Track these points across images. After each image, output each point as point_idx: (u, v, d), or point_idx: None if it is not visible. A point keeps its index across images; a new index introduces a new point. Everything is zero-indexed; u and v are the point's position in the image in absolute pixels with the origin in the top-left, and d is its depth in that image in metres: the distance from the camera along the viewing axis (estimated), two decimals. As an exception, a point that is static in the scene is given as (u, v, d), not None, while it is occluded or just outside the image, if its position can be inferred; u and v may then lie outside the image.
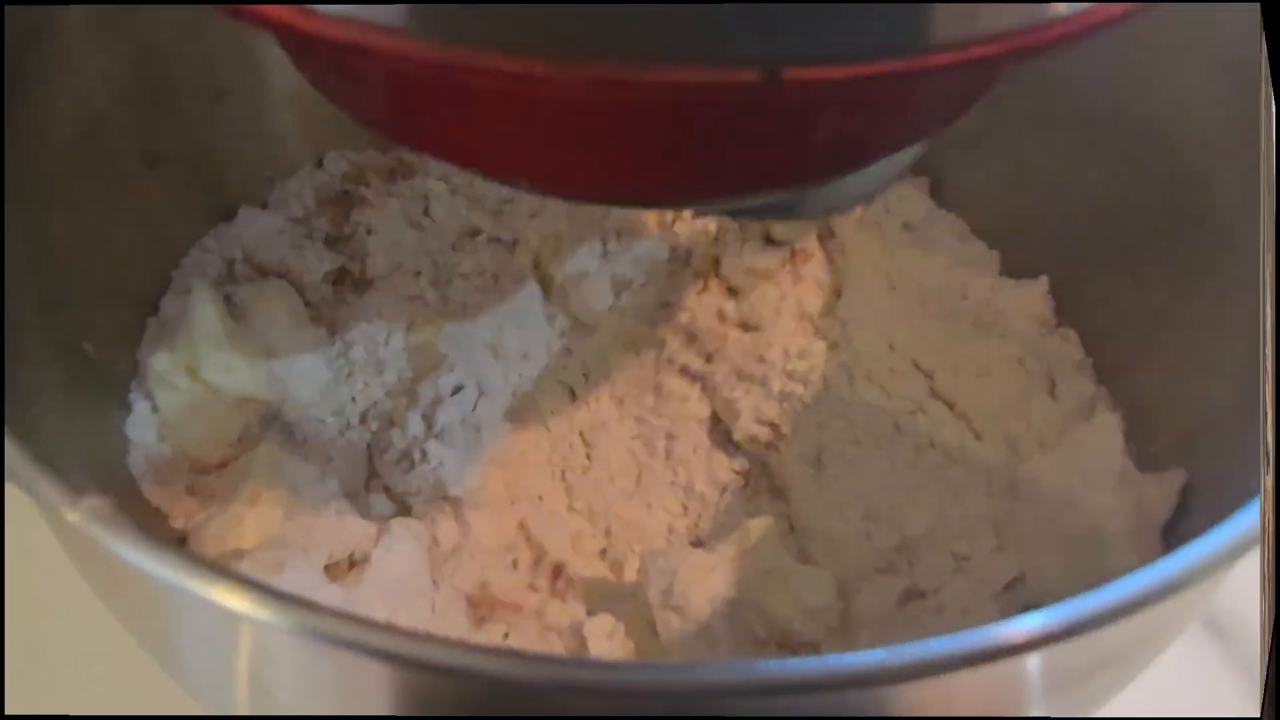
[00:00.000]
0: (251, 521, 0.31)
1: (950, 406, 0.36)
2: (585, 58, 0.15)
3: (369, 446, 0.35)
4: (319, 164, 0.43)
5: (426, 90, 0.18)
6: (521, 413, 0.37)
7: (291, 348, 0.35)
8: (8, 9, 0.29)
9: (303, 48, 0.19)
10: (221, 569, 0.16)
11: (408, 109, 0.19)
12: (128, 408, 0.35)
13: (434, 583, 0.32)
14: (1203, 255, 0.33)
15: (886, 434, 0.35)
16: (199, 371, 0.35)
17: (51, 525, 0.23)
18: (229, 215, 0.41)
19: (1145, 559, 0.29)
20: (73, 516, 0.17)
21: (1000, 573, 0.31)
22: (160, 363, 0.35)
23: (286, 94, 0.42)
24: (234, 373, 0.34)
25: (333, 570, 0.32)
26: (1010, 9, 0.15)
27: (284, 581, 0.29)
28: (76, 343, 0.34)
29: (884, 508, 0.33)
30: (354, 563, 0.32)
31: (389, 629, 0.16)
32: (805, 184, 0.21)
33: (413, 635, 0.15)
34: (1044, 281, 0.38)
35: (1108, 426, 0.33)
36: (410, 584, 0.31)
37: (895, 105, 0.18)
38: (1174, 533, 0.30)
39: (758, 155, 0.18)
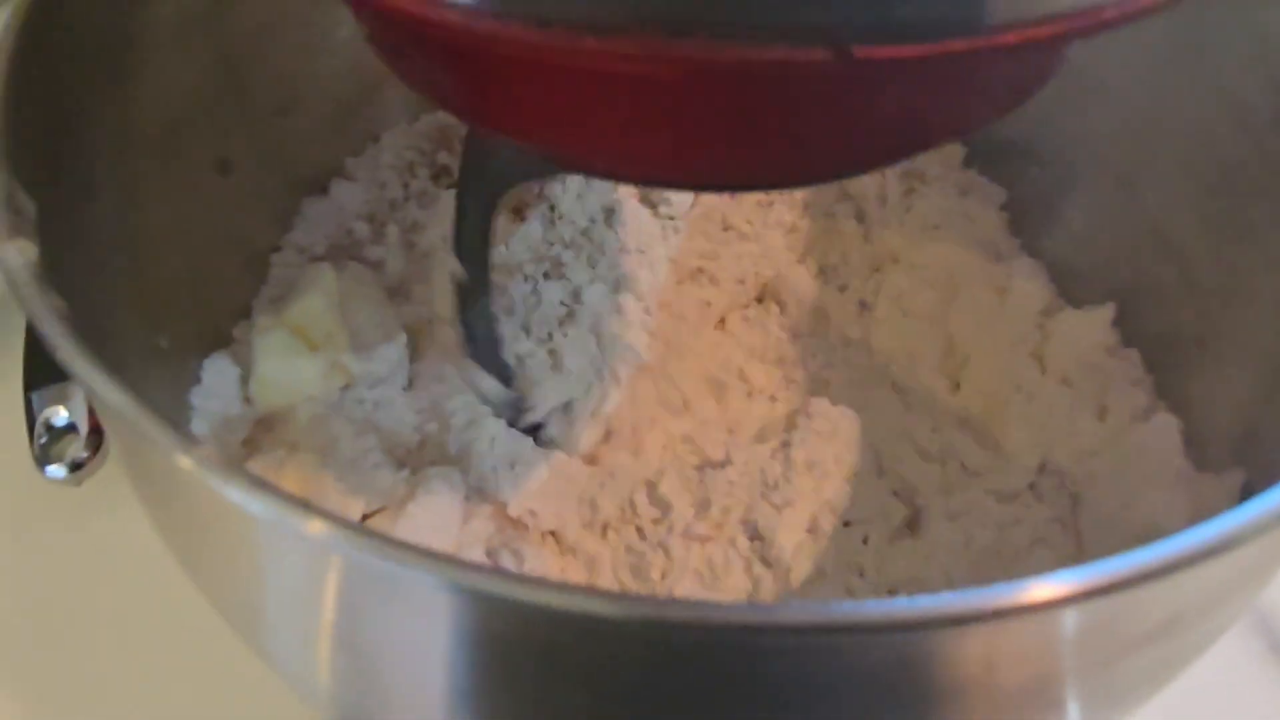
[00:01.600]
0: (292, 468, 0.32)
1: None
2: (651, 35, 0.16)
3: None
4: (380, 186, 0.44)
5: (502, 70, 0.19)
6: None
7: (373, 333, 0.37)
8: (109, 11, 0.30)
9: (384, 28, 0.20)
10: (325, 512, 0.17)
11: (485, 89, 0.20)
12: (196, 380, 0.37)
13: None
14: (1258, 258, 0.34)
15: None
16: (306, 331, 0.37)
17: (144, 484, 0.25)
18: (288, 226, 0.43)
19: None
20: (185, 462, 0.18)
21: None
22: (266, 320, 0.37)
23: (352, 104, 0.43)
24: (332, 340, 0.36)
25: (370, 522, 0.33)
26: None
27: None
28: (151, 335, 0.35)
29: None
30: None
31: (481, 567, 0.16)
32: (861, 170, 0.22)
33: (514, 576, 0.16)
34: (1110, 309, 0.38)
35: (1166, 428, 0.33)
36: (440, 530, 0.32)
37: (961, 86, 0.19)
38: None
39: (821, 138, 0.19)
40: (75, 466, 0.37)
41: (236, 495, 0.17)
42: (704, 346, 0.40)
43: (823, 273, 0.42)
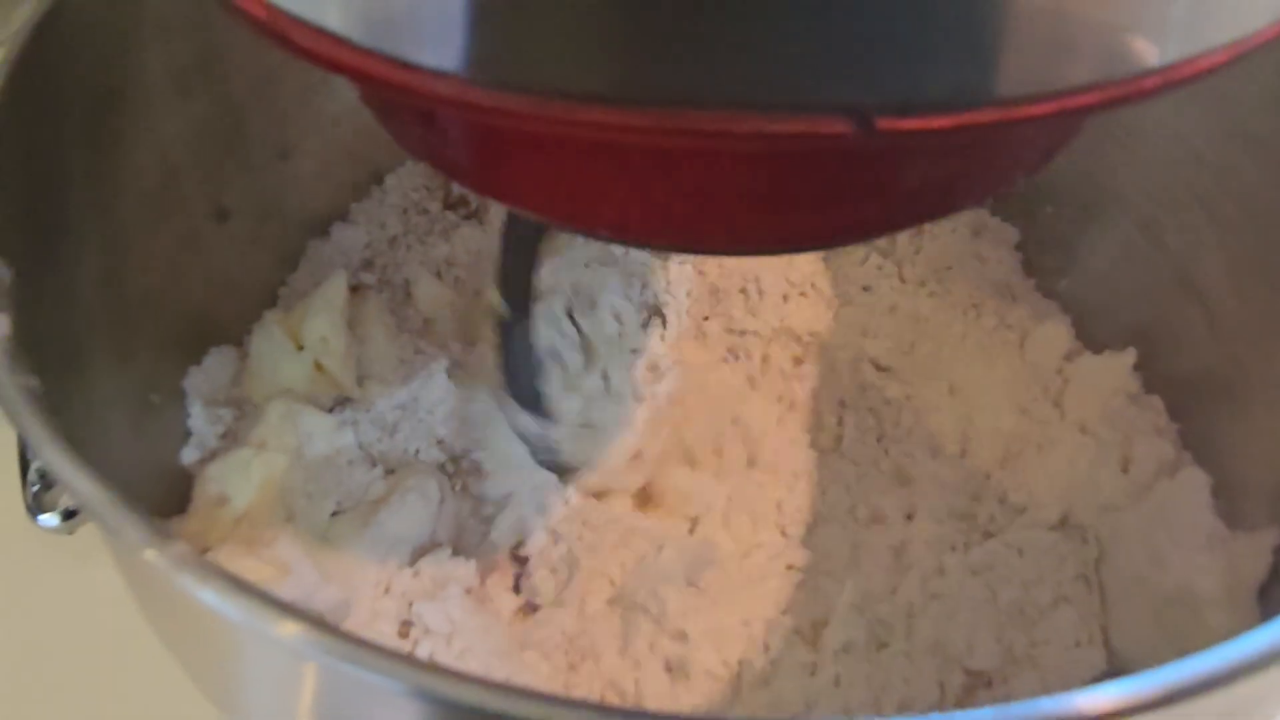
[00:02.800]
0: (258, 466, 0.33)
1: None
2: (666, 106, 0.15)
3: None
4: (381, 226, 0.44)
5: (511, 140, 0.18)
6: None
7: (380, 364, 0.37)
8: (93, 67, 0.30)
9: (378, 98, 0.20)
10: (298, 611, 0.16)
11: (486, 160, 0.19)
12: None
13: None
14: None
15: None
16: (300, 331, 0.37)
17: (122, 566, 0.24)
18: (293, 267, 0.42)
19: (1242, 622, 0.28)
20: (151, 555, 0.17)
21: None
22: (273, 314, 0.38)
23: (355, 145, 0.42)
24: (326, 345, 0.37)
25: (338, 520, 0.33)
26: (1103, 59, 0.15)
27: (286, 590, 0.29)
28: (143, 392, 0.34)
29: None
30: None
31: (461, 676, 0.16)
32: (887, 233, 0.21)
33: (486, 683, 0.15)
34: (1131, 354, 0.37)
35: (1194, 483, 0.32)
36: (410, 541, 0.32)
37: (987, 153, 0.18)
38: (1270, 595, 0.29)
39: (843, 205, 0.18)
40: (68, 515, 0.36)
41: (209, 597, 0.16)
42: (718, 388, 0.39)
43: (835, 316, 0.41)
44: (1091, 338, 0.39)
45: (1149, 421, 0.36)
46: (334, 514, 0.34)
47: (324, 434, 0.35)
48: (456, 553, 0.34)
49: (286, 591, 0.30)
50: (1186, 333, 0.37)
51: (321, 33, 0.15)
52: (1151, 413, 0.36)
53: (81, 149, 0.31)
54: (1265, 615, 0.28)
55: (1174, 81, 0.15)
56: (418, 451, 0.36)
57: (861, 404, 0.39)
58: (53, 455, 0.19)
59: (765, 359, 0.40)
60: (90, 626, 0.36)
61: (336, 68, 0.15)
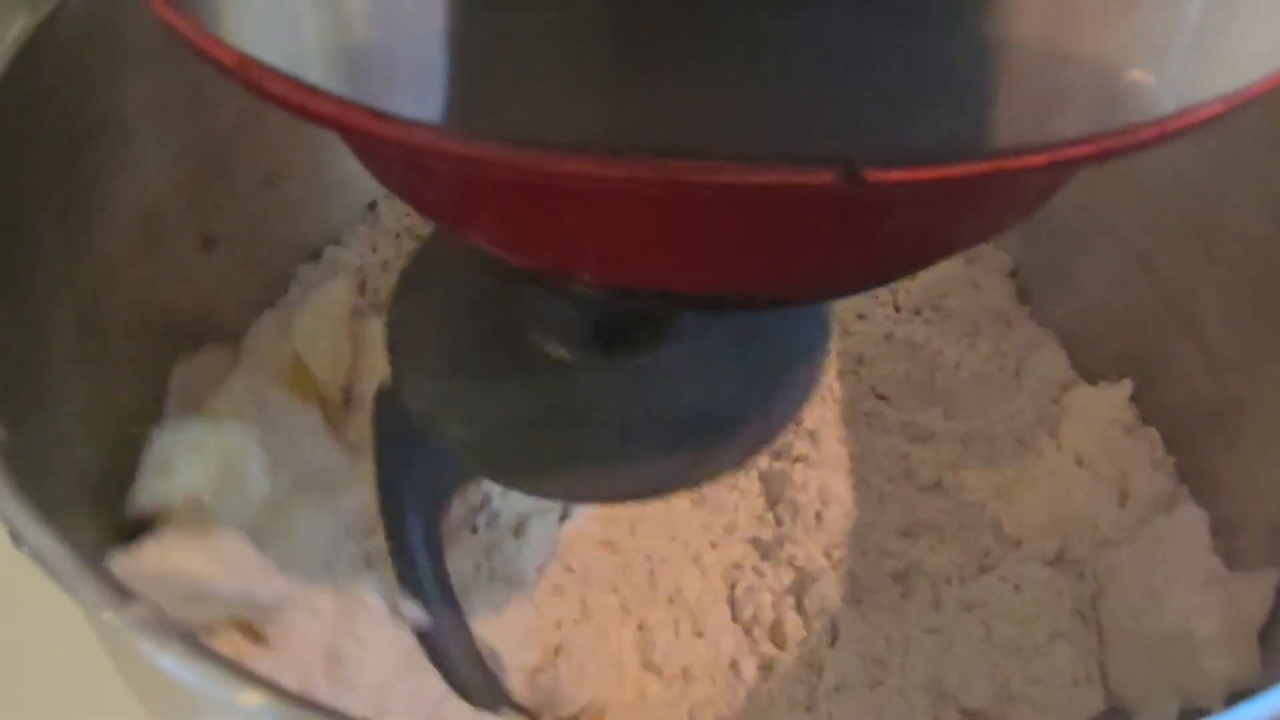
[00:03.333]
0: (211, 442, 0.31)
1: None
2: (644, 155, 0.15)
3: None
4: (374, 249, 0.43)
5: (494, 187, 0.18)
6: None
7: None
8: (74, 96, 0.29)
9: (360, 145, 0.19)
10: (260, 680, 0.16)
11: (463, 204, 0.19)
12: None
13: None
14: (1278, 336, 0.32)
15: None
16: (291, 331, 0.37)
17: (92, 622, 0.23)
18: (283, 292, 0.41)
19: (1242, 664, 0.28)
20: (109, 617, 0.16)
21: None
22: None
23: (339, 178, 0.42)
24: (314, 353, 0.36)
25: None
26: (1099, 111, 0.15)
27: (223, 584, 0.28)
28: (125, 427, 0.34)
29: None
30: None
31: None
32: (873, 286, 0.20)
33: None
34: (1127, 385, 0.37)
35: (1191, 520, 0.31)
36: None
37: (980, 201, 0.17)
38: (1270, 637, 0.28)
39: (830, 254, 0.18)
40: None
41: (169, 663, 0.16)
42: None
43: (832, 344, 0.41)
44: (1086, 367, 0.39)
45: (1145, 454, 0.36)
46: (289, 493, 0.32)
47: (287, 410, 0.34)
48: None
49: (224, 586, 0.28)
50: (1182, 364, 0.37)
51: (290, 81, 0.14)
52: (1148, 444, 0.36)
53: (60, 180, 0.30)
54: (1266, 658, 0.28)
55: (1171, 133, 0.15)
56: None
57: (860, 431, 0.39)
58: (10, 510, 0.19)
59: None
60: (75, 654, 0.35)
61: (307, 116, 0.15)
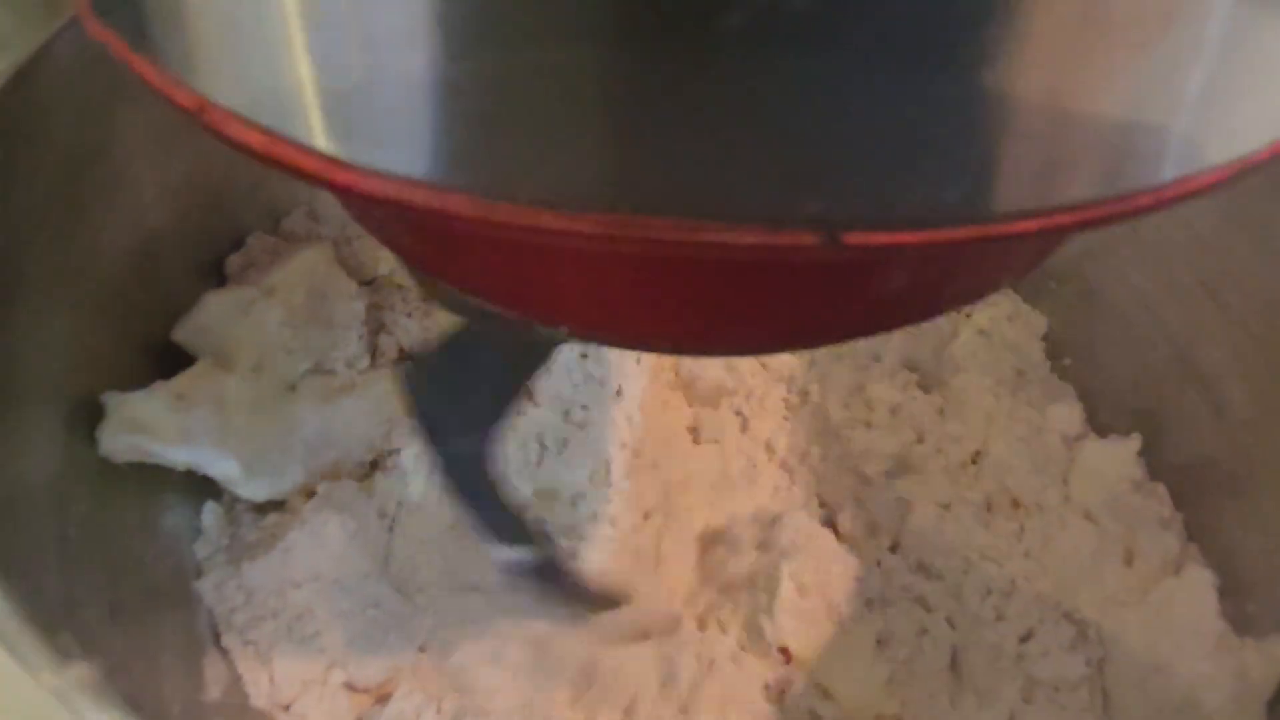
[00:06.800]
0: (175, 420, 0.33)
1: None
2: (621, 213, 0.14)
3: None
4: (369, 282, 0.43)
5: (479, 242, 0.17)
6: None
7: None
8: (70, 127, 0.29)
9: (351, 202, 0.19)
10: None
11: (445, 257, 0.18)
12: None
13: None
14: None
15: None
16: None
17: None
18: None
19: None
20: (47, 679, 0.16)
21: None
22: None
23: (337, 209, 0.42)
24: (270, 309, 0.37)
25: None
26: (1093, 178, 0.14)
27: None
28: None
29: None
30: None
31: None
32: (864, 337, 0.20)
33: None
34: (1136, 440, 0.36)
35: (1199, 583, 0.30)
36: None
37: (964, 265, 0.16)
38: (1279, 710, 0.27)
39: (816, 311, 0.17)
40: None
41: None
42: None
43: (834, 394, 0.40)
44: (1096, 418, 0.38)
45: (1153, 511, 0.35)
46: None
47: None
48: None
49: (176, 455, 0.32)
50: (1191, 418, 0.36)
51: (251, 125, 0.14)
52: (1156, 501, 0.35)
53: (55, 209, 0.30)
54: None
55: (1167, 200, 0.14)
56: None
57: (864, 496, 0.38)
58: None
59: (769, 446, 0.39)
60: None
61: (268, 161, 0.14)
